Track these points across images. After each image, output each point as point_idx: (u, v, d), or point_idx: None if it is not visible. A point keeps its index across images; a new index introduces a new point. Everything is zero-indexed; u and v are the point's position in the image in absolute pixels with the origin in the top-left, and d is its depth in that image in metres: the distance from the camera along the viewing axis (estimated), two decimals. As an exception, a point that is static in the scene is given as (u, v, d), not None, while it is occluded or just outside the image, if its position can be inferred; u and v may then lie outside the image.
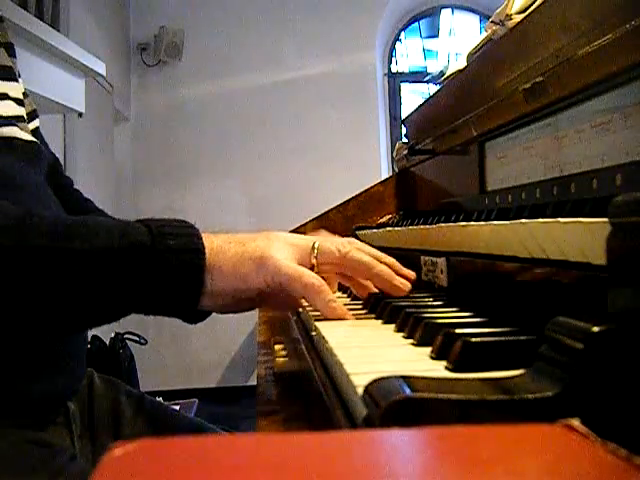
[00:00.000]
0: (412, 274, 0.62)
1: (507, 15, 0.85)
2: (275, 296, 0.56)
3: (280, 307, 0.61)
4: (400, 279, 0.59)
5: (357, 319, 0.57)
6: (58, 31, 1.95)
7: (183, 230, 0.51)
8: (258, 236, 0.55)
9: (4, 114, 0.68)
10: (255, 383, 0.56)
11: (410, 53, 3.98)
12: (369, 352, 0.43)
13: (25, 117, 0.73)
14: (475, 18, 3.93)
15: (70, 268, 0.47)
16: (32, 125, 0.76)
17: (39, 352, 0.59)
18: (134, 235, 0.49)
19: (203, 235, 0.52)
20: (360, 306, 0.65)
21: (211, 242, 0.51)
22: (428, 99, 1.14)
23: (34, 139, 0.72)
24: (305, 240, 0.57)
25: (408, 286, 0.60)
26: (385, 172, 3.58)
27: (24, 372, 0.57)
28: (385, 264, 0.59)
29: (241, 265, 0.51)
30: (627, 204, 0.28)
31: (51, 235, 0.48)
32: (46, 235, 0.47)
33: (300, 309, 0.62)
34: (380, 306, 0.58)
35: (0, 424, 0.55)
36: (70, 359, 0.64)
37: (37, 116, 0.79)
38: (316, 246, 0.56)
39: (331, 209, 1.29)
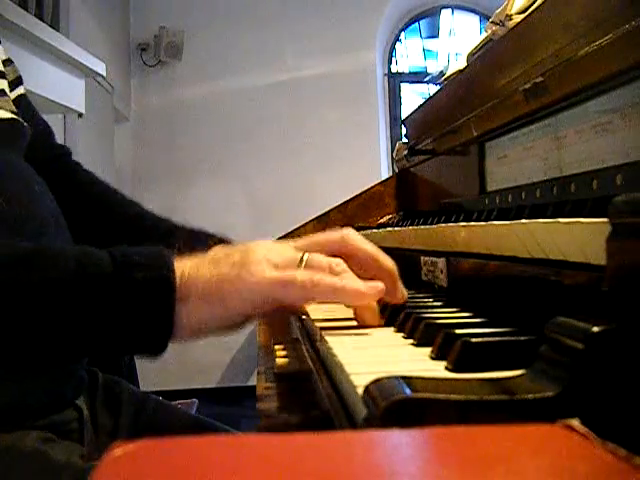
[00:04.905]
0: (402, 298, 0.54)
1: (507, 15, 0.85)
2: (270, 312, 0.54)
3: (280, 313, 0.58)
4: (400, 285, 0.53)
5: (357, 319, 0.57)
6: (58, 31, 1.95)
7: (151, 261, 0.45)
8: (236, 251, 0.48)
9: None
10: (255, 383, 0.56)
11: (410, 53, 3.98)
12: (369, 352, 0.43)
13: (7, 90, 0.69)
14: (475, 18, 3.93)
15: (18, 301, 0.42)
16: (14, 94, 0.72)
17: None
18: (93, 266, 0.43)
19: (176, 263, 0.46)
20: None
21: (182, 270, 0.45)
22: (428, 99, 1.14)
23: (13, 115, 0.67)
24: (291, 251, 0.50)
25: (405, 296, 0.54)
26: (385, 172, 3.58)
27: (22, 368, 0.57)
28: (385, 269, 0.52)
29: (217, 290, 0.45)
30: (627, 204, 0.28)
31: None
32: None
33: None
34: (379, 306, 0.58)
35: (15, 424, 0.55)
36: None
37: (21, 82, 0.74)
38: (304, 259, 0.49)
39: (331, 209, 1.29)
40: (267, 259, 0.47)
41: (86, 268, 0.43)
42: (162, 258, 0.45)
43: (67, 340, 0.44)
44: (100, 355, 0.47)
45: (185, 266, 0.46)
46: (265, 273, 0.46)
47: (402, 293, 0.54)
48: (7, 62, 0.73)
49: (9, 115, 0.67)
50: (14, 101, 0.71)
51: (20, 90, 0.74)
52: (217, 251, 0.49)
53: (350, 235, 0.52)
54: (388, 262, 0.52)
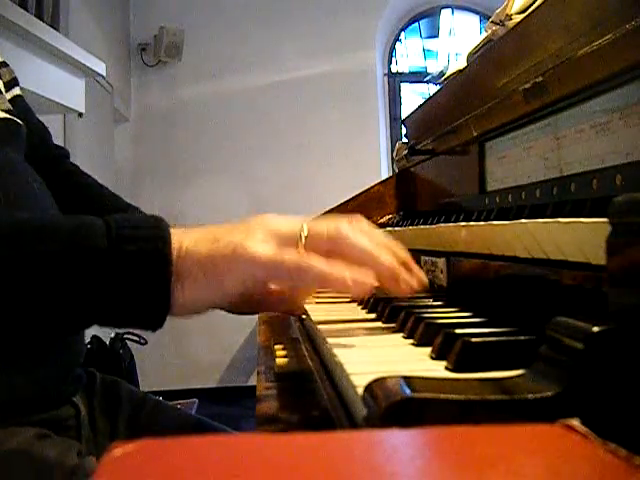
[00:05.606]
0: (424, 279, 0.50)
1: (507, 15, 0.85)
2: (266, 299, 0.53)
3: (278, 309, 0.58)
4: (405, 278, 0.48)
5: (356, 319, 0.57)
6: (58, 31, 1.95)
7: (148, 232, 0.43)
8: (237, 227, 0.46)
9: None
10: (255, 383, 0.56)
11: (410, 53, 3.98)
12: (369, 352, 0.43)
13: (3, 90, 0.69)
14: (475, 18, 3.94)
15: (11, 272, 0.41)
16: (10, 94, 0.72)
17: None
18: (86, 238, 0.42)
19: (173, 235, 0.44)
20: (360, 306, 0.65)
21: (180, 244, 0.44)
22: (428, 99, 1.14)
23: (8, 115, 0.67)
24: (292, 225, 0.47)
25: (413, 286, 0.49)
26: (385, 172, 3.58)
27: (20, 361, 0.56)
28: (381, 266, 0.48)
29: (213, 267, 0.44)
30: (627, 204, 0.28)
31: None
32: None
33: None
34: (380, 306, 0.58)
35: (10, 421, 0.55)
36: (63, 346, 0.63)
37: (17, 84, 0.75)
38: (304, 228, 0.46)
39: (331, 209, 1.29)
40: (264, 237, 0.45)
41: (80, 240, 0.42)
42: (159, 230, 0.44)
43: (60, 313, 0.43)
44: (101, 325, 0.45)
45: (184, 240, 0.44)
46: (257, 253, 0.44)
47: (407, 286, 0.48)
48: (2, 64, 0.74)
49: (3, 115, 0.68)
50: (10, 101, 0.71)
51: (16, 91, 0.75)
52: (222, 225, 0.47)
53: (342, 232, 0.48)
54: (383, 258, 0.48)
